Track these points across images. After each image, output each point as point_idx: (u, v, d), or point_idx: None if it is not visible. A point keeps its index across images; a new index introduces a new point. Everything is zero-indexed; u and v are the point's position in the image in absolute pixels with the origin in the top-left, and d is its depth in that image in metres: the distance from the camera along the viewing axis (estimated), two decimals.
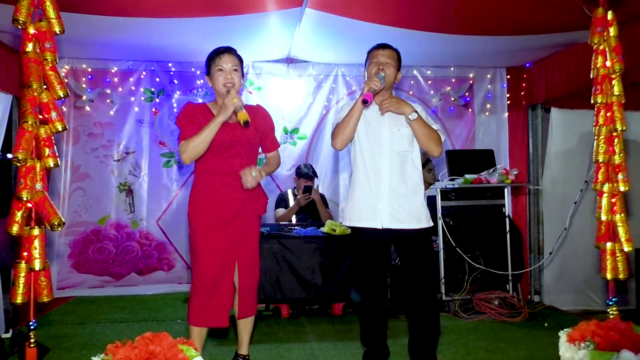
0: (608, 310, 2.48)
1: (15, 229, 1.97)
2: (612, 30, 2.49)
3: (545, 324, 3.67)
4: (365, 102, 2.35)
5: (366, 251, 2.53)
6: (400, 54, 2.58)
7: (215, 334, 3.29)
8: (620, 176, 2.46)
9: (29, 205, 1.98)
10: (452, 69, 4.98)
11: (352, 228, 2.58)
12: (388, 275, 2.75)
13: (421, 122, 2.44)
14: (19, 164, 1.97)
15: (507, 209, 4.14)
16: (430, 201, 4.11)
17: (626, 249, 2.44)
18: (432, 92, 5.00)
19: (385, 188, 2.46)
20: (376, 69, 2.48)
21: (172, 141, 4.71)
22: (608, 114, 2.48)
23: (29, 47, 2.01)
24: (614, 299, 2.48)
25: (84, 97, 4.65)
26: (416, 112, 2.42)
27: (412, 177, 2.50)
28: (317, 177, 4.47)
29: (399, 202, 2.46)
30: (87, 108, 4.67)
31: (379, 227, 2.46)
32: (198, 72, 4.78)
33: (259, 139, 2.60)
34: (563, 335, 2.25)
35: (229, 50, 2.51)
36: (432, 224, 2.56)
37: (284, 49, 4.51)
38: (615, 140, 2.47)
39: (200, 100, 4.75)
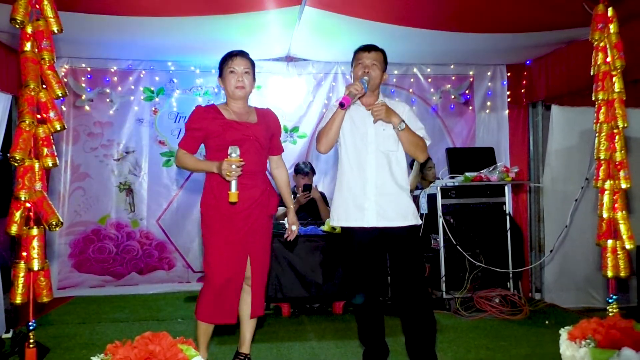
0: (609, 308, 2.48)
1: (14, 229, 1.97)
2: (613, 27, 2.48)
3: (546, 322, 3.67)
4: (342, 106, 2.38)
5: (356, 250, 2.55)
6: (386, 55, 2.59)
7: (220, 331, 3.28)
8: (621, 173, 2.45)
9: (28, 205, 1.97)
10: (452, 66, 4.97)
11: (341, 228, 2.61)
12: (387, 274, 2.77)
13: (408, 131, 2.47)
14: (16, 164, 1.96)
15: (508, 207, 4.13)
16: (431, 199, 4.11)
17: (627, 246, 2.43)
18: (432, 90, 4.99)
19: (371, 187, 2.49)
20: (362, 72, 2.50)
21: (172, 140, 4.71)
22: (609, 111, 2.47)
23: (27, 46, 2.00)
24: (614, 297, 2.47)
25: (84, 97, 4.64)
26: (404, 122, 2.45)
27: (398, 175, 2.53)
28: (314, 173, 4.46)
29: (386, 201, 2.48)
30: (87, 107, 4.66)
31: (367, 226, 2.48)
32: (197, 71, 4.77)
33: (270, 140, 2.63)
34: (564, 333, 2.25)
35: (242, 53, 2.57)
36: (419, 221, 2.59)
37: (284, 48, 4.50)
38: (617, 137, 2.46)
39: (199, 100, 4.75)
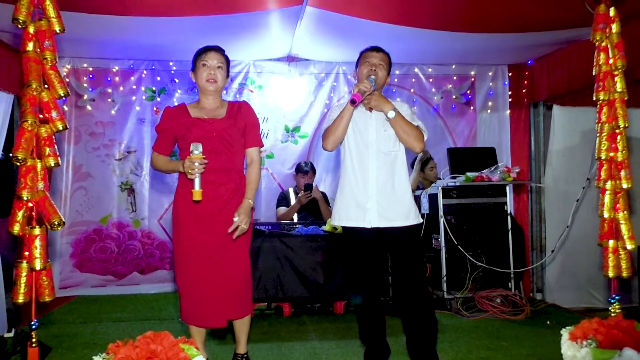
0: (610, 308, 2.48)
1: (16, 228, 1.97)
2: (615, 27, 2.48)
3: (548, 322, 3.66)
4: (353, 102, 2.38)
5: (357, 250, 2.55)
6: (390, 58, 2.60)
7: (214, 333, 3.29)
8: (622, 173, 2.45)
9: (30, 204, 1.98)
10: (453, 66, 4.97)
11: (343, 228, 2.61)
12: (388, 274, 2.78)
13: (400, 119, 2.46)
14: (18, 164, 1.97)
15: (509, 207, 4.13)
16: (432, 199, 4.11)
17: (629, 246, 2.43)
18: (433, 89, 4.99)
19: (372, 187, 2.49)
20: (368, 70, 2.50)
21: None
22: (611, 111, 2.47)
23: (29, 46, 2.01)
24: (616, 297, 2.47)
25: (85, 97, 4.65)
26: (395, 110, 2.44)
27: (400, 176, 2.53)
28: (315, 173, 4.47)
29: (387, 201, 2.49)
30: (89, 107, 4.67)
31: (368, 226, 2.48)
32: None
33: (241, 135, 2.56)
34: (565, 333, 2.25)
35: (216, 48, 2.54)
36: (420, 220, 2.59)
37: (285, 48, 4.50)
38: (618, 137, 2.46)
39: None
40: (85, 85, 4.64)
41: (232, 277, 2.49)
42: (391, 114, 2.44)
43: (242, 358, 2.65)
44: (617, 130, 2.46)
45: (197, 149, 2.28)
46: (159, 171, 2.68)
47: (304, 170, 4.37)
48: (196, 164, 2.26)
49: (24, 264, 1.96)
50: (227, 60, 2.57)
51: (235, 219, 2.40)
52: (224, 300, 2.48)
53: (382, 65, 2.53)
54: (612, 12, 2.48)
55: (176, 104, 4.73)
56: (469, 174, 3.99)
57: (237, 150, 2.53)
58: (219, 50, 2.54)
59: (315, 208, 4.35)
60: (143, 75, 4.74)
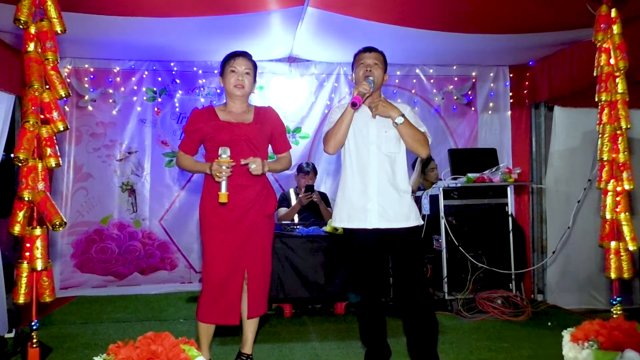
0: (612, 309, 2.47)
1: (17, 229, 1.97)
2: (616, 28, 2.48)
3: (549, 324, 3.66)
4: (354, 105, 2.39)
5: (358, 251, 2.56)
6: (385, 56, 2.60)
7: (223, 331, 3.28)
8: (624, 174, 2.45)
9: (31, 205, 1.98)
10: (454, 67, 4.97)
11: (344, 229, 2.62)
12: (389, 275, 2.77)
13: (407, 125, 2.46)
14: (20, 164, 1.97)
15: (510, 208, 4.12)
16: (433, 200, 4.11)
17: (630, 247, 2.43)
18: (434, 90, 4.99)
19: (373, 188, 2.50)
20: (364, 72, 2.50)
21: (174, 141, 4.72)
22: (612, 112, 2.47)
23: (31, 46, 2.01)
24: (618, 298, 2.47)
25: (86, 97, 4.65)
26: (403, 116, 2.44)
27: (400, 177, 2.54)
28: (316, 173, 4.47)
29: (388, 202, 2.49)
30: (90, 108, 4.67)
31: (369, 228, 2.48)
32: (200, 72, 4.78)
33: (267, 140, 2.63)
34: (566, 334, 2.24)
35: (244, 54, 2.59)
36: (421, 222, 2.59)
37: (286, 48, 4.51)
38: (620, 138, 2.46)
39: (202, 100, 4.76)
40: (86, 85, 4.64)
41: (253, 277, 2.56)
42: (399, 120, 2.44)
43: (248, 358, 2.66)
44: (619, 132, 2.46)
45: (225, 153, 2.35)
46: (184, 170, 2.73)
47: (305, 170, 4.37)
48: (224, 167, 2.33)
49: (25, 265, 1.96)
50: (255, 66, 2.62)
51: (253, 166, 2.40)
52: (241, 299, 2.54)
53: (377, 65, 2.53)
54: (613, 13, 2.48)
55: (177, 104, 4.78)
56: (470, 175, 3.99)
57: (262, 154, 2.59)
58: (247, 56, 2.59)
59: (317, 208, 4.35)
60: (144, 76, 4.74)
